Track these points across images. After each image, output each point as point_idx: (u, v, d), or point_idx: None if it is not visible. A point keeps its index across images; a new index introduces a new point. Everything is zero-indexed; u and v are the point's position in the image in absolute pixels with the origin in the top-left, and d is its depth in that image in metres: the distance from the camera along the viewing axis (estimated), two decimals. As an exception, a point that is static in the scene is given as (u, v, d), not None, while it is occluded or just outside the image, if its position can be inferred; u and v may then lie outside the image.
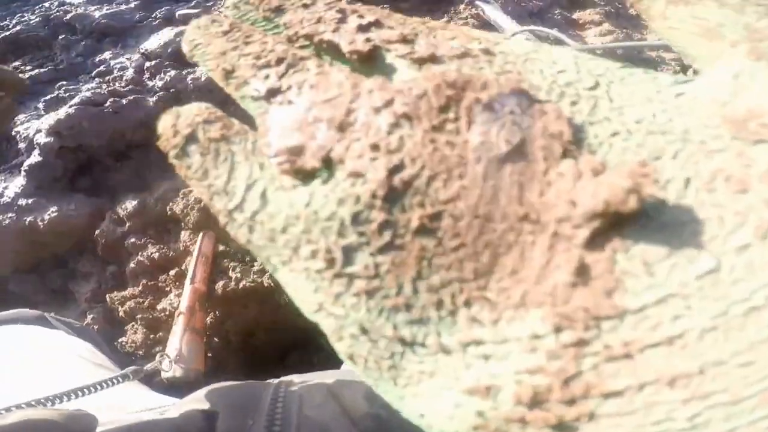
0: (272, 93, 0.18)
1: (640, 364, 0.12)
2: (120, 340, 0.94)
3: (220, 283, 0.94)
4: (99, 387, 0.54)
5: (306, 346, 0.97)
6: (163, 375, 0.79)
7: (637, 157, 0.14)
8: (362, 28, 0.19)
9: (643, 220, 0.13)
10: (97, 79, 1.38)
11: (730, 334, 0.12)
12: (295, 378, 0.46)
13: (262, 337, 0.95)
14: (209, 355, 0.89)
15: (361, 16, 0.19)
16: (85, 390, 0.51)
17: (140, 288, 0.97)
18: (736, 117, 0.14)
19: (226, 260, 0.97)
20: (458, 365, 0.13)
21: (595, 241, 0.13)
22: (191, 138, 0.17)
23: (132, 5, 1.62)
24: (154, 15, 1.56)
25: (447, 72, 0.17)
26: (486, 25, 1.28)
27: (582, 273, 0.13)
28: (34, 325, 0.73)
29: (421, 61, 0.18)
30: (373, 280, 0.14)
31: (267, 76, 0.18)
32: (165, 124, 0.18)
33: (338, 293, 0.15)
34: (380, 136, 0.15)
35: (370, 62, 0.18)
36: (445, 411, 0.13)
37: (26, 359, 0.64)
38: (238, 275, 0.94)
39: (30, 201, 1.09)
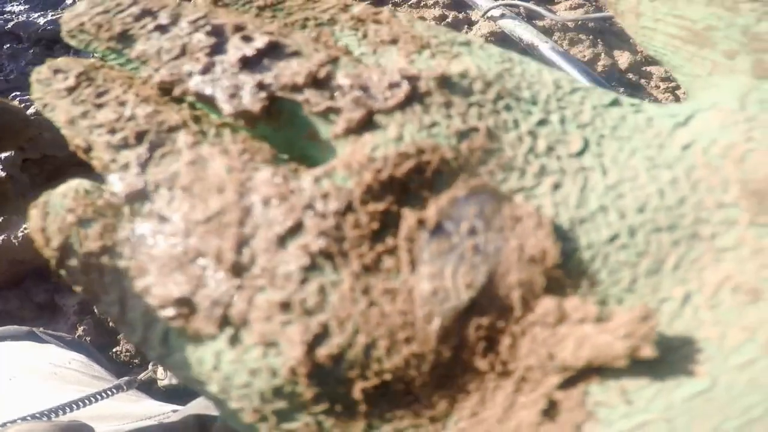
0: (134, 197, 0.13)
1: None
2: (114, 349, 0.92)
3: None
4: (94, 399, 0.53)
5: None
6: (160, 383, 0.77)
7: (639, 275, 0.11)
8: (249, 64, 0.13)
9: None
10: (53, 86, 1.32)
11: None
12: None
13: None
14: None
15: (246, 38, 0.13)
16: (80, 403, 0.51)
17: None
18: (757, 186, 0.11)
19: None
20: None
21: (567, 382, 0.11)
22: (67, 250, 0.13)
23: (79, 8, 1.55)
24: (103, 16, 1.49)
25: (381, 157, 0.12)
26: (458, 4, 1.26)
27: (550, 411, 0.11)
28: (25, 341, 0.71)
29: (346, 131, 0.13)
30: None
31: (126, 165, 0.13)
32: (34, 227, 0.13)
33: None
34: (291, 287, 0.11)
35: (272, 122, 0.13)
36: None
37: (19, 375, 0.62)
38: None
39: (0, 219, 1.05)
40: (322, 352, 0.11)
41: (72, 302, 0.98)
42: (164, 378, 0.78)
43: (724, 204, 0.11)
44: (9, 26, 1.51)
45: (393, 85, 0.13)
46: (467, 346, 0.11)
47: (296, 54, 0.13)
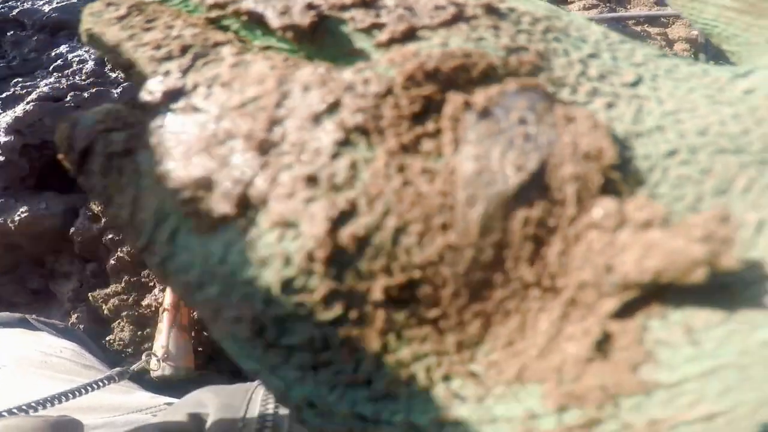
0: (171, 96, 0.13)
1: None
2: (108, 338, 0.90)
3: (204, 274, 0.90)
4: (84, 390, 0.52)
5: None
6: (153, 374, 0.76)
7: (704, 193, 0.10)
8: None
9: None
10: (55, 73, 1.30)
11: None
12: None
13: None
14: (200, 349, 0.86)
15: None
16: (69, 394, 0.49)
17: (122, 285, 0.92)
18: None
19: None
20: None
21: (624, 309, 0.09)
22: (89, 151, 0.13)
23: (84, -5, 1.54)
24: (109, 4, 1.48)
25: (425, 54, 0.11)
26: None
27: (602, 347, 0.09)
28: (17, 328, 0.70)
29: (390, 43, 0.12)
30: (321, 354, 0.10)
31: (167, 72, 0.13)
32: (60, 135, 0.14)
33: (275, 364, 0.11)
34: (320, 161, 0.10)
35: (317, 41, 0.13)
36: None
37: (9, 364, 0.61)
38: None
39: (-2, 202, 1.03)
40: (347, 231, 0.10)
41: (66, 289, 0.96)
42: (157, 369, 0.77)
43: None
44: (14, 13, 1.50)
45: (439, 8, 0.12)
46: (512, 245, 0.10)
47: None
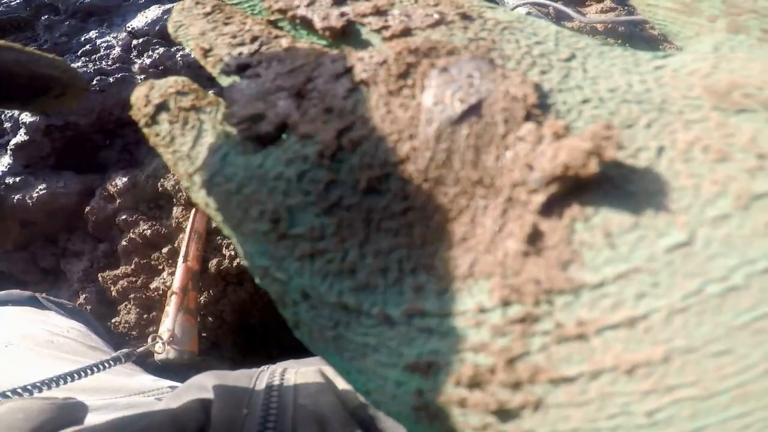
0: (242, 67, 0.17)
1: (597, 348, 0.10)
2: (113, 320, 0.89)
3: (214, 261, 0.89)
4: (90, 371, 0.51)
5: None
6: (157, 357, 0.74)
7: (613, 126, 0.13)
8: (337, 2, 0.18)
9: (607, 188, 0.12)
10: (83, 58, 1.31)
11: (703, 317, 0.10)
12: (291, 364, 0.44)
13: (258, 317, 0.90)
14: (203, 335, 0.85)
15: None
16: (75, 375, 0.49)
17: (132, 267, 0.91)
18: (718, 88, 0.13)
19: (219, 237, 0.92)
20: (402, 339, 0.12)
21: (552, 208, 0.12)
22: (162, 107, 0.17)
23: (117, -17, 1.54)
24: (143, -8, 1.48)
25: (411, 39, 0.16)
26: None
27: (535, 241, 0.11)
28: (26, 306, 0.70)
29: (393, 37, 0.16)
30: (318, 243, 0.13)
31: (240, 53, 0.18)
32: (138, 94, 0.18)
33: (282, 257, 0.14)
34: (335, 100, 0.15)
35: (345, 38, 0.17)
36: (389, 389, 0.12)
37: (15, 342, 0.60)
38: (232, 253, 0.90)
39: (17, 179, 1.02)
40: (347, 137, 0.14)
41: (77, 269, 0.96)
42: (161, 352, 0.76)
43: (689, 96, 0.13)
44: (49, -4, 1.51)
45: (428, 15, 0.17)
46: (458, 151, 0.13)
47: None
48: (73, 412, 0.34)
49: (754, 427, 0.10)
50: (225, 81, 0.17)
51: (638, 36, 1.13)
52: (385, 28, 0.17)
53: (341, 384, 0.33)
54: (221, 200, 0.15)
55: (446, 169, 0.13)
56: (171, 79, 0.18)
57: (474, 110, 0.13)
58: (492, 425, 0.11)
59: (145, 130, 0.17)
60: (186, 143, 0.16)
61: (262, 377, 0.35)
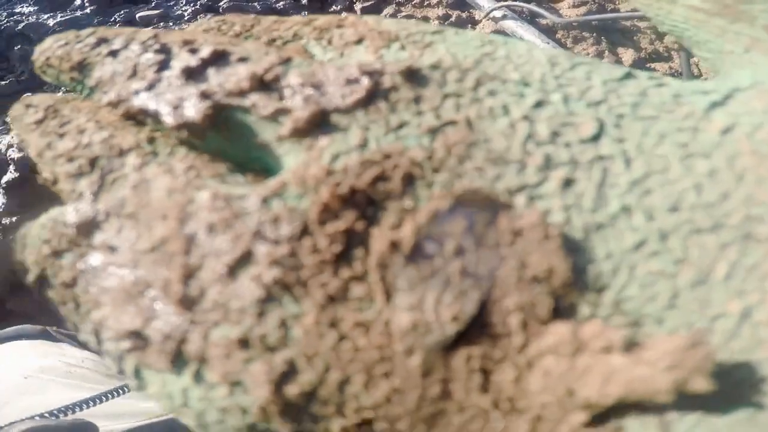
0: (86, 230, 0.11)
1: None
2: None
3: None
4: (105, 398, 0.52)
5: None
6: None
7: (680, 288, 0.09)
8: (193, 75, 0.12)
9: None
10: (62, 87, 1.31)
11: None
12: None
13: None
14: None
15: (193, 50, 0.12)
16: (90, 402, 0.49)
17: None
18: None
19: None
20: None
21: (596, 417, 0.08)
22: (44, 282, 0.12)
23: (88, 11, 1.52)
24: (113, 19, 1.46)
25: (339, 172, 0.10)
26: (461, 3, 1.23)
27: None
28: (39, 340, 0.70)
29: (297, 131, 0.11)
30: None
31: (81, 195, 0.12)
32: (15, 257, 0.13)
33: None
34: (248, 322, 0.10)
35: (224, 133, 0.12)
36: None
37: (34, 374, 0.61)
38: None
39: (14, 219, 1.02)
40: (291, 390, 0.09)
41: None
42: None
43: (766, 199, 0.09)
44: (20, 27, 1.49)
45: (351, 81, 0.11)
46: (458, 379, 0.09)
47: (244, 60, 0.12)
48: (84, 430, 0.35)
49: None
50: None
51: (612, 28, 1.13)
52: (284, 113, 0.11)
53: None
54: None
55: (445, 401, 0.09)
56: (44, 225, 0.13)
57: (475, 323, 0.09)
58: None
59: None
60: (91, 337, 0.12)
61: None
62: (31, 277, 0.12)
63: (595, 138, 0.10)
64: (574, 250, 0.09)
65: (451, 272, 0.09)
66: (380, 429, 0.09)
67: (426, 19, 1.18)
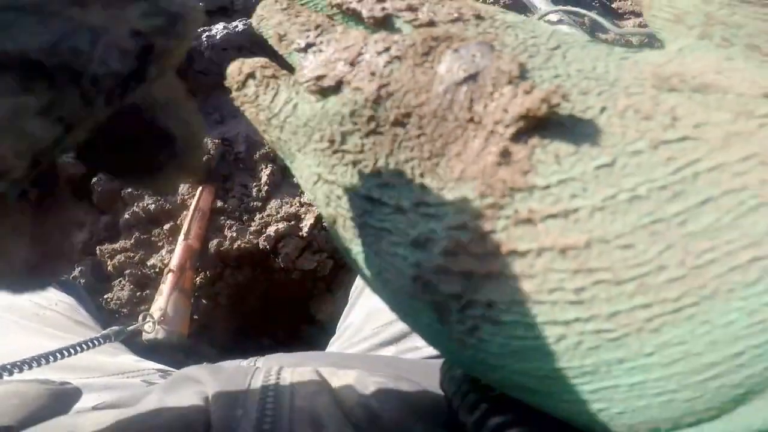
0: (309, 45, 0.21)
1: (541, 232, 0.14)
2: (106, 296, 0.86)
3: (214, 242, 0.86)
4: (79, 348, 0.49)
5: (296, 316, 0.91)
6: (145, 337, 0.72)
7: (570, 92, 0.17)
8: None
9: (561, 129, 0.16)
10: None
11: (616, 216, 0.14)
12: (283, 359, 0.42)
13: (253, 303, 0.87)
14: (195, 317, 0.82)
15: None
16: (64, 352, 0.46)
17: (132, 241, 0.89)
18: (663, 74, 0.16)
19: (222, 217, 0.89)
20: (409, 223, 0.17)
21: (520, 137, 0.16)
22: (251, 75, 0.22)
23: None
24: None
25: (434, 29, 0.20)
26: (518, 4, 1.17)
27: (506, 156, 0.16)
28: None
29: (421, 26, 0.20)
30: (359, 155, 0.18)
31: (307, 36, 0.22)
32: (233, 67, 0.23)
33: (333, 164, 0.19)
34: (378, 68, 0.19)
35: (384, 26, 0.21)
36: (397, 265, 0.17)
37: (1, 314, 0.59)
38: (234, 234, 0.87)
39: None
40: (384, 90, 0.18)
41: (77, 240, 0.94)
42: (150, 332, 0.74)
43: (638, 78, 0.17)
44: None
45: (449, 13, 0.20)
46: (458, 101, 0.17)
47: None
48: (70, 398, 0.32)
49: (654, 321, 0.13)
50: (294, 57, 0.22)
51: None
52: (415, 19, 0.21)
53: (336, 384, 0.31)
54: (290, 132, 0.20)
55: (449, 111, 0.17)
56: (255, 59, 0.23)
57: (473, 77, 0.17)
58: (465, 293, 0.15)
59: (235, 93, 0.22)
60: (267, 99, 0.21)
61: (257, 375, 0.33)
62: (246, 70, 0.22)
63: (554, 48, 0.18)
64: (525, 71, 0.17)
65: (468, 59, 0.18)
66: (413, 122, 0.18)
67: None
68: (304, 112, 0.20)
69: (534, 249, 0.14)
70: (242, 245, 0.86)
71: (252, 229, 0.87)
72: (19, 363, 0.40)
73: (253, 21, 0.25)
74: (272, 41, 0.23)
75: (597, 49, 0.18)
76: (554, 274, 0.14)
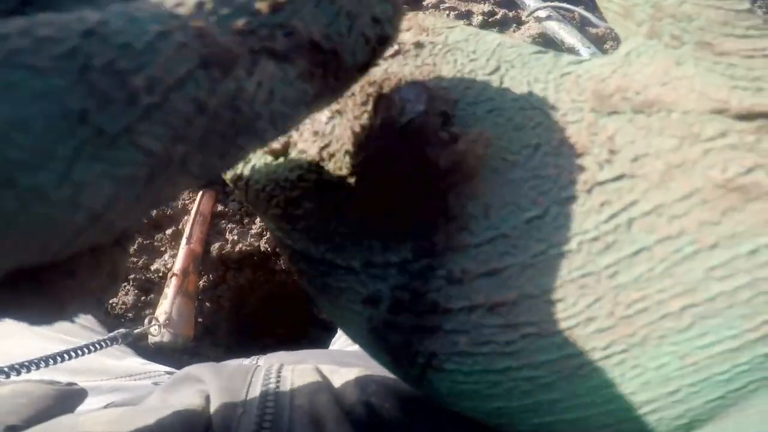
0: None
1: (473, 290, 0.15)
2: (111, 300, 0.89)
3: (216, 245, 0.87)
4: (87, 350, 0.49)
5: (298, 317, 0.92)
6: (151, 340, 0.73)
7: (504, 128, 0.16)
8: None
9: (493, 176, 0.15)
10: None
11: (545, 272, 0.14)
12: (285, 358, 0.42)
13: (255, 305, 0.88)
14: (199, 320, 0.83)
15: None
16: (72, 353, 0.47)
17: (135, 247, 0.90)
18: (604, 92, 0.16)
19: (223, 221, 0.90)
20: (360, 283, 0.17)
21: (453, 191, 0.16)
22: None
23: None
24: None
25: (373, 71, 0.18)
26: (510, 2, 1.18)
27: (441, 213, 0.16)
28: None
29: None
30: (310, 220, 0.18)
31: None
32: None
33: (288, 230, 0.18)
34: (320, 125, 0.18)
35: None
36: (353, 319, 0.17)
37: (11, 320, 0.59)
38: (235, 237, 0.88)
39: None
40: (325, 152, 0.18)
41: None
42: (156, 335, 0.75)
43: (577, 100, 0.16)
44: None
45: (396, 52, 0.19)
46: (395, 157, 0.17)
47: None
48: (76, 398, 0.33)
49: (584, 369, 0.13)
50: None
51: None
52: None
53: (338, 381, 0.31)
54: (254, 196, 0.19)
55: (386, 168, 0.17)
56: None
57: (405, 128, 0.16)
58: (411, 345, 0.15)
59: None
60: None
61: (258, 374, 0.34)
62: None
63: (492, 73, 0.18)
64: (460, 109, 0.17)
65: (405, 107, 0.17)
66: (356, 182, 0.17)
67: (470, 13, 1.12)
68: (260, 178, 0.20)
69: (466, 306, 0.14)
70: (244, 248, 0.87)
71: (253, 231, 0.88)
72: (26, 363, 0.41)
73: None
74: None
75: (539, 66, 0.17)
76: (485, 329, 0.14)
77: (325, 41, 0.12)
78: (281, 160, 0.19)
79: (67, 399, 0.32)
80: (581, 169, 0.15)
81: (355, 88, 0.18)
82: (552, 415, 0.14)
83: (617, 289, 0.13)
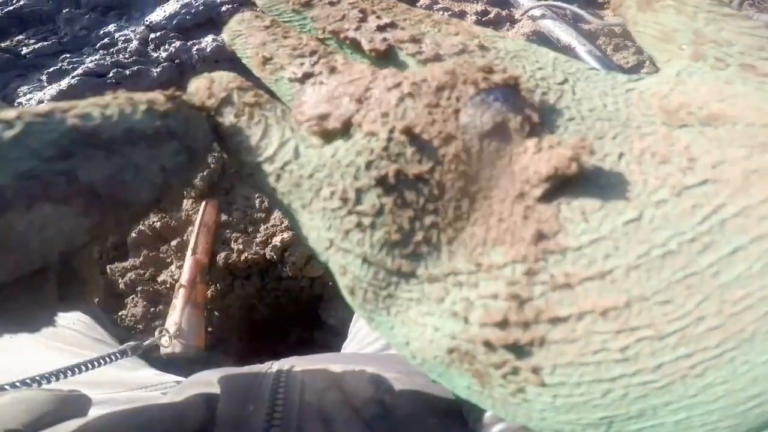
0: (307, 76, 0.19)
1: (579, 295, 0.14)
2: (120, 313, 0.88)
3: (222, 255, 0.87)
4: (97, 363, 0.49)
5: (307, 323, 0.92)
6: (162, 351, 0.72)
7: (590, 135, 0.17)
8: (380, 29, 0.21)
9: (584, 183, 0.15)
10: (101, 51, 1.30)
11: (651, 273, 0.14)
12: (297, 361, 0.42)
13: (264, 312, 0.88)
14: (209, 330, 0.82)
15: (378, 18, 0.21)
16: (82, 366, 0.47)
17: (141, 259, 0.90)
18: (670, 108, 0.16)
19: (228, 231, 0.90)
20: (440, 292, 0.15)
21: (546, 197, 0.15)
22: (226, 101, 0.19)
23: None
24: None
25: (444, 63, 0.19)
26: (502, 1, 1.18)
27: (533, 217, 0.15)
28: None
29: (426, 61, 0.19)
30: (377, 218, 0.16)
31: (302, 63, 0.20)
32: (198, 86, 0.19)
33: (348, 229, 0.16)
34: (389, 107, 0.17)
35: (385, 58, 0.20)
36: (426, 336, 0.15)
37: (24, 334, 0.59)
38: (241, 246, 0.88)
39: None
40: (401, 127, 0.17)
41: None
42: (168, 346, 0.74)
43: (647, 114, 0.17)
44: (67, -9, 1.50)
45: (454, 45, 0.20)
46: (485, 158, 0.16)
47: (404, 29, 0.21)
48: (77, 404, 0.32)
49: (697, 368, 0.13)
50: (284, 87, 0.20)
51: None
52: (419, 53, 0.20)
53: (350, 381, 0.31)
54: (292, 184, 0.17)
55: (474, 168, 0.16)
56: (226, 74, 0.19)
57: (497, 127, 0.16)
58: (509, 362, 0.14)
59: (213, 120, 0.19)
60: (254, 136, 0.18)
61: (268, 375, 0.34)
62: (219, 96, 0.18)
63: (562, 83, 0.18)
64: (543, 115, 0.17)
65: (492, 105, 0.17)
66: (437, 177, 0.16)
67: (463, 13, 1.13)
68: (310, 160, 0.17)
69: (575, 313, 0.14)
70: (249, 257, 0.87)
71: (258, 240, 0.88)
72: (38, 377, 0.41)
73: (225, 36, 0.22)
74: (252, 63, 0.21)
75: (602, 81, 0.18)
76: (597, 336, 0.13)
77: (106, 188, 0.14)
78: (339, 141, 0.17)
79: (71, 404, 0.32)
80: (667, 174, 0.15)
81: (427, 74, 0.18)
82: (656, 419, 0.13)
83: (722, 288, 0.13)
